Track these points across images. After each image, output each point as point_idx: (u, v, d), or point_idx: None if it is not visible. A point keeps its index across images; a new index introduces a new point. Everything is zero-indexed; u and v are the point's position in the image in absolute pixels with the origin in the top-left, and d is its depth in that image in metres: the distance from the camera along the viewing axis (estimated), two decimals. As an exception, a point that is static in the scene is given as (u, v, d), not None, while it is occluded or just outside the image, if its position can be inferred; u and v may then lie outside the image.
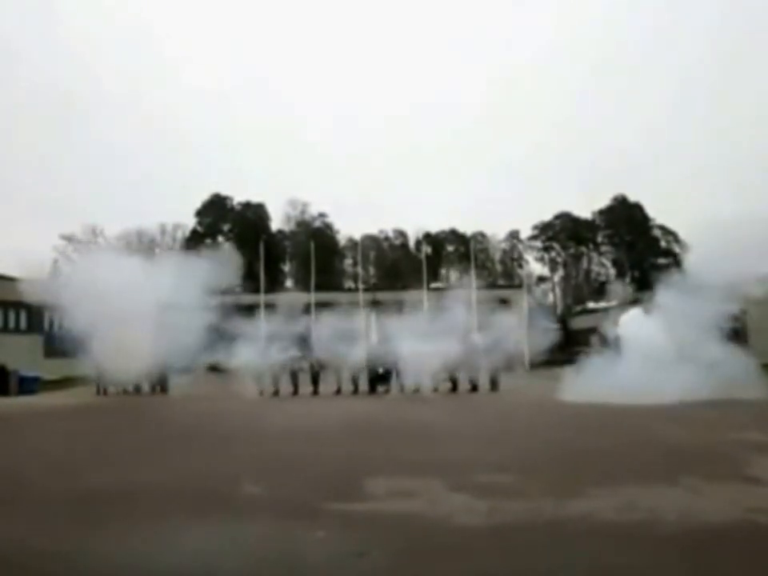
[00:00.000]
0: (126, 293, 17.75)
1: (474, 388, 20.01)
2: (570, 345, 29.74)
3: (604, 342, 19.20)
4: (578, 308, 49.00)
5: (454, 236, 59.96)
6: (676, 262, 45.90)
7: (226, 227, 59.32)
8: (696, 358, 14.68)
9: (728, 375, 14.00)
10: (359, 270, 49.85)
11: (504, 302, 30.41)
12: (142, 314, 18.14)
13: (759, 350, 16.66)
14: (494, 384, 20.31)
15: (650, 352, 15.70)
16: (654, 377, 14.48)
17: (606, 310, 31.56)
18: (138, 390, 20.57)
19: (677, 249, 55.18)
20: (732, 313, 16.73)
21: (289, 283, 56.58)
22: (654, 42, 72.72)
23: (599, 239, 61.00)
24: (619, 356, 16.70)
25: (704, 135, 63.18)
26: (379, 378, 20.72)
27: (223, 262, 19.78)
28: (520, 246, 61.82)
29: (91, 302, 17.59)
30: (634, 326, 17.71)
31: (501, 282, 55.93)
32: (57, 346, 24.03)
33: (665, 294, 16.68)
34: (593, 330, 26.23)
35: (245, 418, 14.22)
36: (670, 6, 73.07)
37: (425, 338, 21.41)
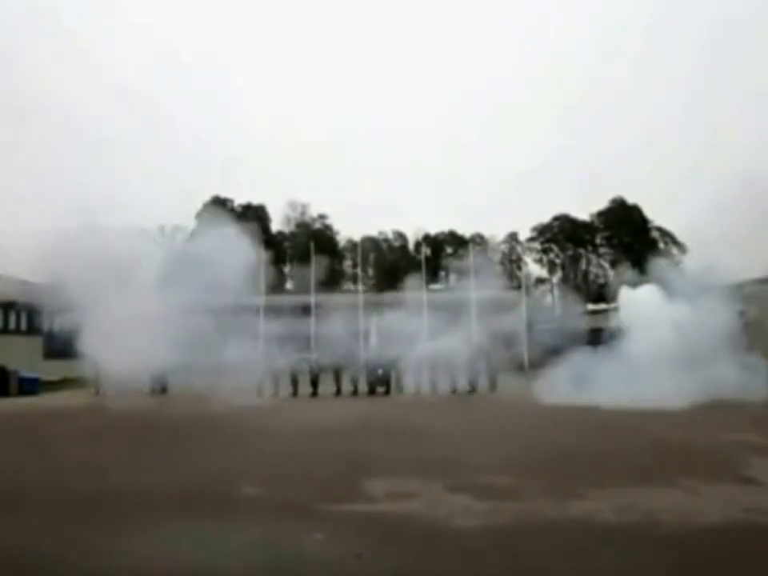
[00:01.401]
0: (126, 291, 17.74)
1: (473, 389, 20.03)
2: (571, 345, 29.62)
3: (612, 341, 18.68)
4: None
5: (453, 238, 60.05)
6: (675, 263, 45.90)
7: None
8: (702, 354, 14.42)
9: (733, 376, 13.83)
10: (359, 271, 49.89)
11: (503, 304, 30.44)
12: (141, 313, 18.13)
13: (762, 350, 16.34)
14: (492, 385, 20.33)
15: (656, 340, 15.24)
16: (655, 377, 14.27)
17: (606, 311, 31.56)
18: (137, 390, 20.48)
19: (674, 250, 55.24)
20: (735, 311, 16.48)
21: (288, 285, 56.57)
22: (653, 43, 72.90)
23: (598, 241, 61.14)
24: (619, 354, 16.46)
25: (703, 136, 63.21)
26: (378, 379, 20.75)
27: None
28: (519, 248, 61.92)
29: (91, 299, 17.60)
30: (643, 304, 16.97)
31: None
32: (56, 347, 24.05)
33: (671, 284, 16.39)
34: (595, 331, 26.08)
35: (244, 419, 14.20)
36: (670, 8, 73.27)
37: (424, 339, 21.46)
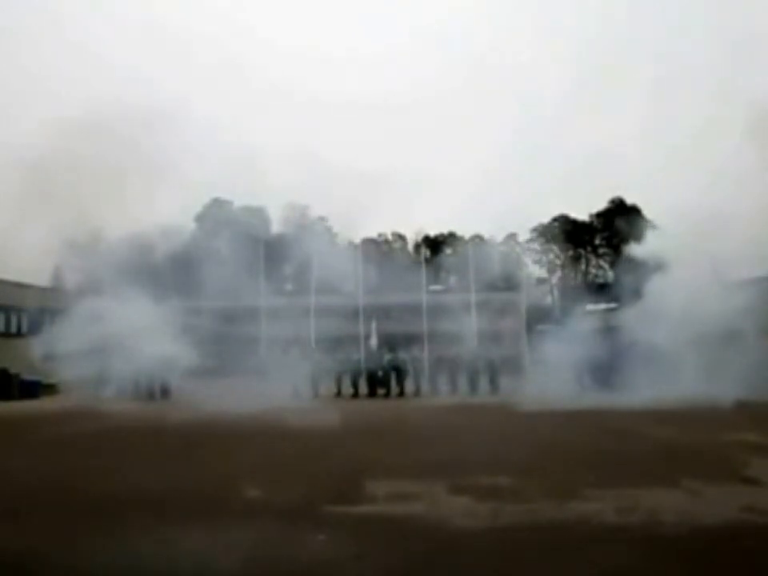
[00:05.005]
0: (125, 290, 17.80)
1: (474, 390, 20.04)
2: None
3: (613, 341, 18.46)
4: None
5: (453, 239, 60.12)
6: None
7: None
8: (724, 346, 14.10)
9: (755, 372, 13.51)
10: (359, 273, 49.81)
11: (503, 305, 30.50)
12: (141, 316, 18.17)
13: None
14: (494, 386, 20.33)
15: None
16: (661, 375, 14.08)
17: (606, 311, 31.52)
18: (137, 394, 20.41)
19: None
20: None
21: (289, 287, 56.53)
22: (650, 41, 73.07)
23: (597, 241, 61.30)
24: (622, 353, 16.38)
25: (701, 136, 63.17)
26: (379, 381, 20.77)
27: None
28: (518, 249, 61.95)
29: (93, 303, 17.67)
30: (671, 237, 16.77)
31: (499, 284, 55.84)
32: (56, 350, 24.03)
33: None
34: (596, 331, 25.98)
35: (245, 421, 14.16)
36: (665, 7, 73.42)
37: (425, 341, 21.50)
